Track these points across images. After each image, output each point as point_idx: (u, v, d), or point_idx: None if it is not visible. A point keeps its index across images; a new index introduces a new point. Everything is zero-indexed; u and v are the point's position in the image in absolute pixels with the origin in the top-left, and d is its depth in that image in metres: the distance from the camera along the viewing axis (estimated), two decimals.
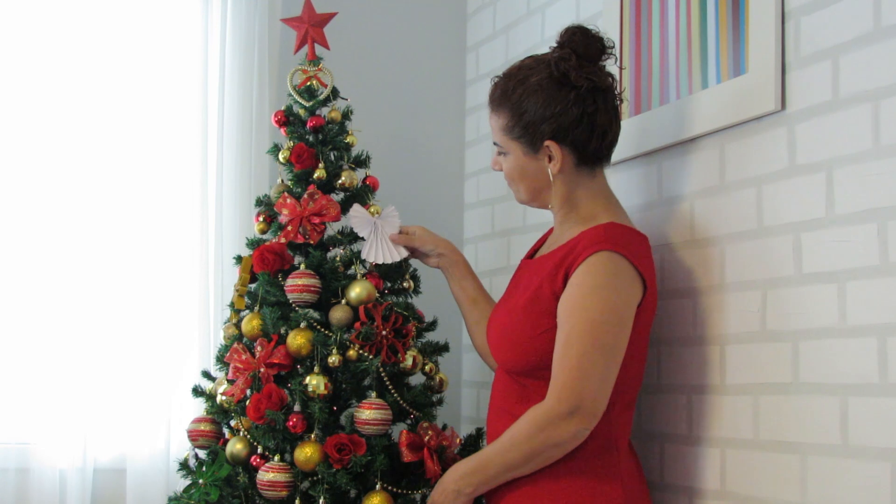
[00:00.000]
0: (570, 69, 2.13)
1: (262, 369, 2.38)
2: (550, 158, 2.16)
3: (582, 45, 2.16)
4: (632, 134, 2.42)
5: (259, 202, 2.65)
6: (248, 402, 2.38)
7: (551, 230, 2.35)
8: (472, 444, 2.50)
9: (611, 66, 2.21)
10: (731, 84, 2.13)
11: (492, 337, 2.27)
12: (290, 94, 2.64)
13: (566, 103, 2.12)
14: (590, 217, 2.17)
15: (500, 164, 2.26)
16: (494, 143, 2.24)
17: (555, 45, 2.20)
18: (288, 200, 2.52)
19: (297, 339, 2.38)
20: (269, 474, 2.31)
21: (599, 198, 2.20)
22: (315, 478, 2.31)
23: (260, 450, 2.37)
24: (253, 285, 2.55)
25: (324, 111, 2.64)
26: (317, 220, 2.50)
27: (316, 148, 2.60)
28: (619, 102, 2.20)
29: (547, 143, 2.14)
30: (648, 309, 2.12)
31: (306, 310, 2.44)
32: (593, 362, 2.01)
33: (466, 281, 2.52)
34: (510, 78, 2.19)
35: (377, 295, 2.46)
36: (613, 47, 2.20)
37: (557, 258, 2.13)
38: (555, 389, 2.03)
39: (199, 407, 2.66)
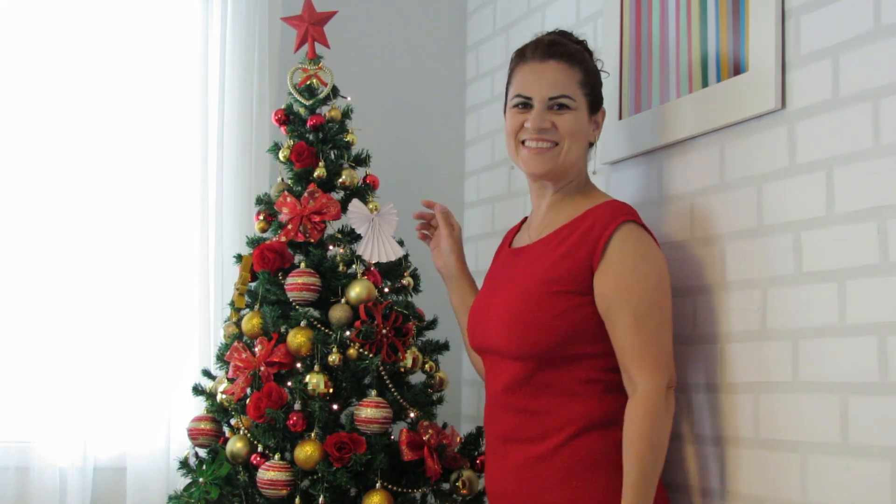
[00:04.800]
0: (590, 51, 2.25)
1: (262, 368, 2.38)
2: (596, 125, 2.21)
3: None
4: (632, 132, 2.42)
5: (259, 201, 2.65)
6: (248, 401, 2.38)
7: (525, 219, 2.35)
8: (473, 442, 2.50)
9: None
10: (732, 83, 2.12)
11: (493, 327, 2.15)
12: (290, 93, 2.64)
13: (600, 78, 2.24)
14: (588, 196, 2.19)
15: (552, 121, 2.14)
16: (560, 96, 2.13)
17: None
18: (288, 199, 2.52)
19: (298, 338, 2.38)
20: (270, 473, 2.31)
21: (589, 180, 2.25)
22: (315, 476, 2.31)
23: (260, 448, 2.37)
24: (253, 284, 2.55)
25: (324, 110, 2.64)
26: (317, 218, 2.50)
27: (316, 146, 2.60)
28: None
29: (603, 109, 2.22)
30: None
31: (306, 308, 2.44)
32: (665, 332, 2.04)
33: (469, 297, 2.46)
34: (570, 39, 2.23)
35: (377, 294, 2.47)
36: None
37: (576, 235, 2.08)
38: (646, 369, 1.99)
39: (199, 405, 2.66)
